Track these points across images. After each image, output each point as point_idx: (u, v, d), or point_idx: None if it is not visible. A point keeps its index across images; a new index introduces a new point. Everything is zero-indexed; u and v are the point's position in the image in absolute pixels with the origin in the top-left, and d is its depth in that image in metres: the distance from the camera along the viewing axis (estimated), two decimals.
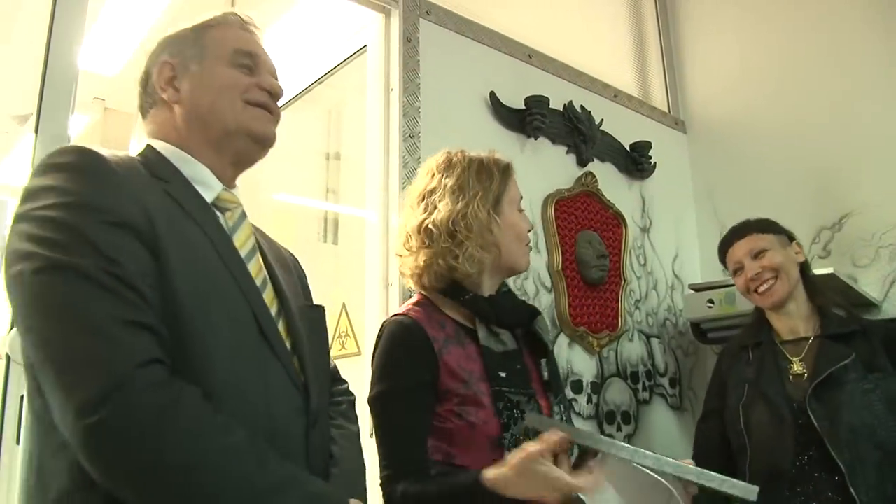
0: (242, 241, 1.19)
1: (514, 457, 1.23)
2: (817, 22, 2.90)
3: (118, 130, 3.96)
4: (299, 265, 1.43)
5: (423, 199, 1.55)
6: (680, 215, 3.16)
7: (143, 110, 1.27)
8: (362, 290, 2.17)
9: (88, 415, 0.86)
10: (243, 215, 1.24)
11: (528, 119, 2.47)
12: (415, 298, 1.57)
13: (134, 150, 1.22)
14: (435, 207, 1.52)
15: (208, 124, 1.20)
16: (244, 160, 1.27)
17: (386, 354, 1.47)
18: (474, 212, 1.50)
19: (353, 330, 2.43)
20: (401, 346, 1.46)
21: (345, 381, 1.45)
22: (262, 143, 1.25)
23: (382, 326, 1.51)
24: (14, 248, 0.97)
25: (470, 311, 1.53)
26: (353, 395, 1.43)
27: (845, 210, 2.70)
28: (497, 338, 1.53)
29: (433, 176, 1.57)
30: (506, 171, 1.60)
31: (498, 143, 2.40)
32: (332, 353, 2.44)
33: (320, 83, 2.69)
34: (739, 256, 2.06)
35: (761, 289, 2.00)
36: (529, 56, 2.63)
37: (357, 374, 2.18)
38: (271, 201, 3.22)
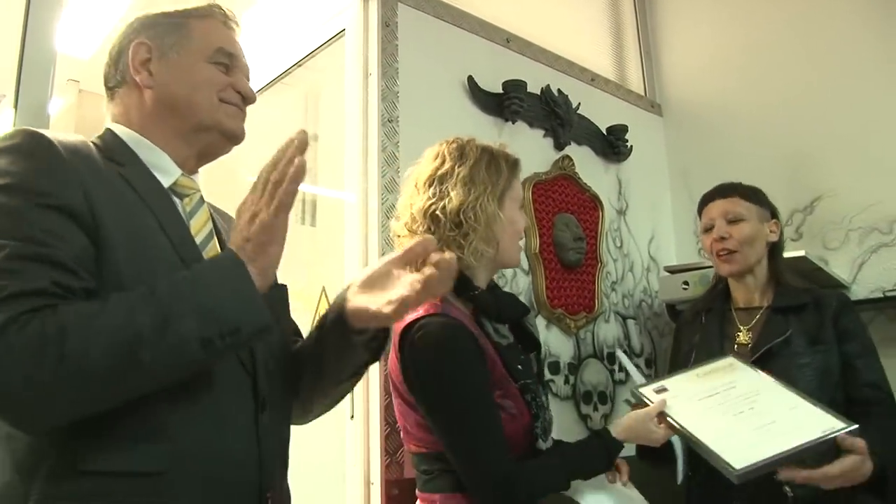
0: (199, 227, 1.20)
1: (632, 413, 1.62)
2: (792, 8, 2.93)
3: (93, 112, 3.91)
4: None
5: (433, 184, 1.57)
6: (656, 198, 3.19)
7: (110, 87, 1.26)
8: (341, 272, 2.18)
9: None
10: (201, 201, 1.24)
11: (505, 103, 2.49)
12: None
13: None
14: (446, 195, 1.53)
15: (181, 116, 1.21)
16: (210, 153, 1.29)
17: (447, 359, 1.45)
18: (483, 205, 1.52)
19: None
20: (457, 348, 1.46)
21: None
22: (231, 140, 1.28)
23: (417, 330, 1.46)
24: None
25: (475, 305, 1.56)
26: None
27: (817, 193, 2.75)
28: (499, 332, 1.57)
29: (444, 161, 1.59)
30: (514, 166, 1.64)
31: (476, 127, 2.41)
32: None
33: (299, 66, 2.68)
34: (714, 215, 2.02)
35: (722, 254, 1.98)
36: (507, 40, 2.64)
37: None
38: (249, 184, 3.20)
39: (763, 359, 1.81)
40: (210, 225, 1.23)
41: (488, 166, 1.57)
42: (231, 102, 1.25)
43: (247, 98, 1.29)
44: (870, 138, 2.64)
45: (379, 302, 1.10)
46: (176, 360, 0.95)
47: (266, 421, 1.14)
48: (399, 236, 1.61)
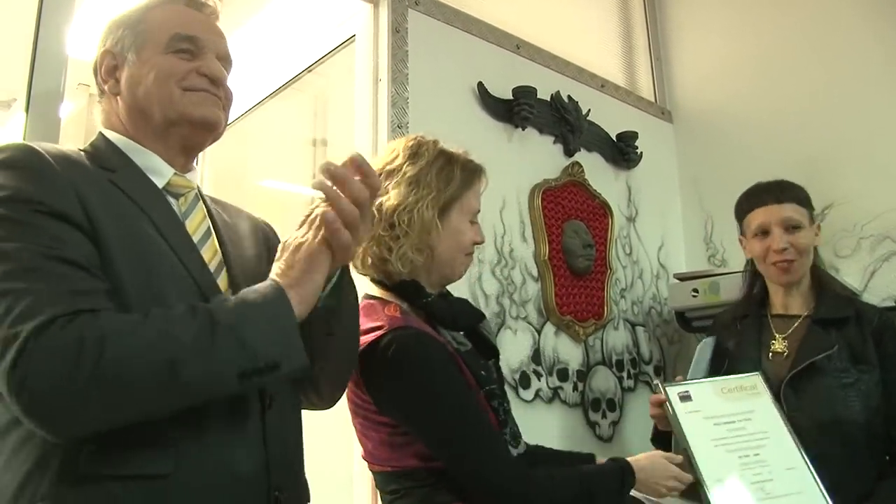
0: (196, 226, 1.19)
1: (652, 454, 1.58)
2: (803, 14, 2.91)
3: None
4: (273, 234, 1.40)
5: (380, 177, 1.51)
6: (665, 205, 3.18)
7: (99, 97, 1.26)
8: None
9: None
10: (197, 199, 1.23)
11: (515, 109, 2.48)
12: (384, 307, 1.47)
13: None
14: (387, 191, 1.47)
15: (148, 115, 1.18)
16: (191, 146, 1.25)
17: (428, 371, 1.39)
18: (421, 210, 1.45)
19: None
20: (434, 358, 1.40)
21: None
22: (205, 128, 1.23)
23: (387, 347, 1.37)
24: None
25: (428, 314, 1.50)
26: None
27: (828, 201, 2.72)
28: (456, 340, 1.52)
29: (396, 157, 1.52)
30: (470, 176, 1.55)
31: (486, 133, 2.42)
32: None
33: (308, 71, 2.68)
34: (770, 221, 1.90)
35: (781, 265, 1.88)
36: (517, 46, 2.63)
37: None
38: (258, 188, 3.22)
39: (805, 373, 1.76)
40: (207, 222, 1.22)
41: (440, 171, 1.49)
42: (197, 89, 1.20)
43: (214, 79, 1.22)
44: (881, 145, 2.62)
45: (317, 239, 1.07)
46: (211, 385, 0.95)
47: (273, 418, 1.13)
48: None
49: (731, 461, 1.64)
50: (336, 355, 1.26)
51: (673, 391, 1.74)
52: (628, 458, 1.55)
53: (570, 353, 2.53)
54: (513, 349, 2.33)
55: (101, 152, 1.16)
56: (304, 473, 1.25)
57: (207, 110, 1.21)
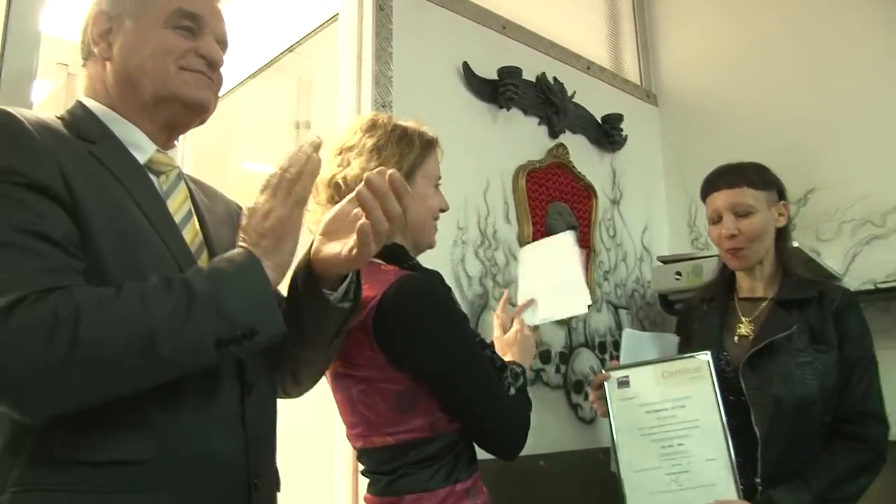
0: (178, 205, 1.16)
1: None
2: (790, 0, 2.91)
3: None
4: None
5: (340, 153, 1.53)
6: (650, 188, 3.18)
7: (83, 60, 1.22)
8: None
9: None
10: (179, 178, 1.20)
11: (500, 90, 2.47)
12: (382, 269, 1.47)
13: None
14: (349, 164, 1.50)
15: (138, 87, 1.15)
16: (177, 126, 1.22)
17: (447, 309, 1.44)
18: None
19: None
20: (448, 297, 1.47)
21: None
22: (195, 109, 1.20)
23: (399, 288, 1.38)
24: None
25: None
26: None
27: (811, 185, 2.73)
28: None
29: (355, 133, 1.55)
30: (428, 145, 1.57)
31: (470, 113, 2.40)
32: None
33: (291, 52, 2.66)
34: (721, 207, 1.89)
35: (731, 251, 1.89)
36: (503, 27, 2.61)
37: None
38: (240, 170, 3.19)
39: (763, 353, 1.77)
40: (189, 203, 1.19)
41: (399, 140, 1.52)
42: (193, 69, 1.17)
43: (212, 63, 1.20)
44: (864, 131, 2.63)
45: (347, 245, 1.08)
46: (189, 356, 0.94)
47: (252, 405, 1.12)
48: (307, 210, 1.56)
49: (652, 451, 1.73)
50: (333, 351, 1.27)
51: (613, 376, 1.82)
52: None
53: (552, 334, 2.53)
54: None
55: (80, 121, 1.12)
56: (275, 461, 1.24)
57: (201, 93, 1.18)
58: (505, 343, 1.75)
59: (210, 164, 3.12)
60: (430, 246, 1.61)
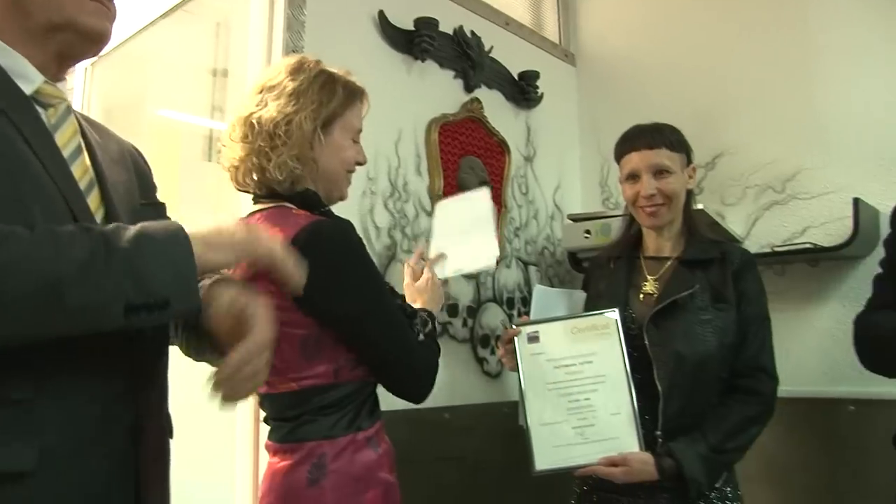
0: (66, 139, 1.10)
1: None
2: None
3: None
4: (142, 159, 1.34)
5: (261, 92, 1.49)
6: (564, 147, 3.20)
7: None
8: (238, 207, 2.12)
9: None
10: (68, 111, 1.14)
11: (416, 41, 2.44)
12: (293, 213, 1.46)
13: None
14: (266, 104, 1.47)
15: (27, 14, 1.07)
16: (70, 56, 1.16)
17: (361, 254, 1.45)
18: (300, 121, 1.45)
19: None
20: (359, 244, 1.45)
21: None
22: (93, 39, 1.14)
23: (313, 234, 1.38)
24: None
25: None
26: None
27: (719, 150, 2.80)
28: None
29: (279, 73, 1.51)
30: (351, 95, 1.55)
31: (384, 62, 2.37)
32: None
33: None
34: (639, 166, 1.90)
35: (648, 209, 1.91)
36: None
37: None
38: (155, 117, 3.09)
39: (667, 311, 1.81)
40: (79, 138, 1.13)
41: (322, 87, 1.49)
42: None
43: None
44: (770, 100, 2.71)
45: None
46: (95, 315, 0.90)
47: (137, 350, 1.09)
48: (222, 144, 1.53)
49: (560, 406, 1.78)
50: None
51: (523, 331, 1.85)
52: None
53: (461, 289, 2.54)
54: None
55: None
56: (167, 406, 1.22)
57: (100, 22, 1.11)
58: (416, 290, 1.78)
59: (122, 111, 3.02)
60: (342, 198, 1.60)
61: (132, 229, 0.95)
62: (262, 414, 1.53)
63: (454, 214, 2.01)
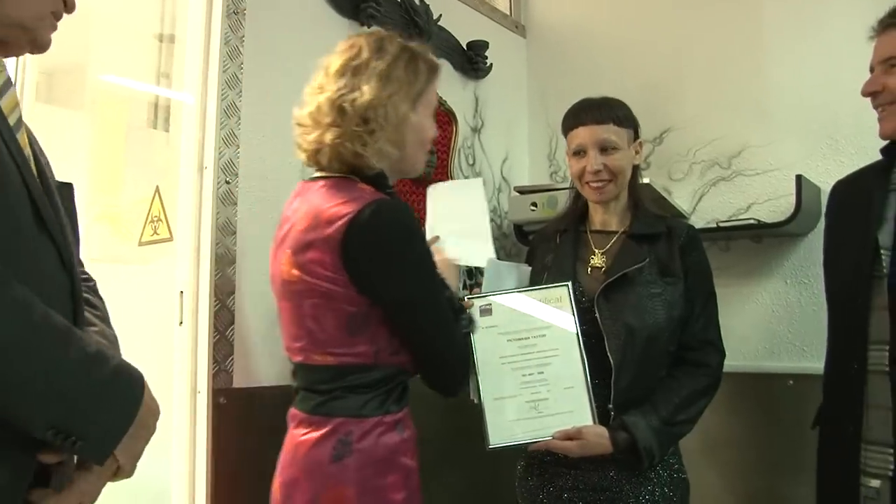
0: (10, 109, 1.05)
1: None
2: None
3: None
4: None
5: (345, 74, 1.46)
6: (512, 119, 3.18)
7: None
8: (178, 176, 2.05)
9: None
10: (9, 83, 1.09)
11: (362, 6, 2.38)
12: (357, 185, 1.45)
13: None
14: (357, 87, 1.44)
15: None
16: (6, 51, 1.11)
17: (417, 240, 1.46)
18: (396, 103, 1.45)
19: (165, 215, 2.31)
20: (419, 230, 1.49)
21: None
22: (39, 48, 1.12)
23: (374, 212, 1.38)
24: None
25: None
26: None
27: (667, 125, 2.81)
28: None
29: (360, 52, 1.49)
30: (433, 71, 1.56)
31: (329, 28, 2.30)
32: (144, 237, 2.34)
33: None
34: (586, 142, 1.89)
35: (594, 184, 1.89)
36: None
37: (169, 259, 2.09)
38: (98, 82, 2.98)
39: (617, 284, 1.81)
40: (19, 111, 1.08)
41: (407, 65, 1.50)
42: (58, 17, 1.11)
43: (69, 6, 1.12)
44: (718, 77, 2.72)
45: None
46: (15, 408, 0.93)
47: (80, 322, 1.10)
48: (301, 125, 1.50)
49: (513, 379, 1.77)
50: None
51: (476, 304, 1.81)
52: None
53: None
54: None
55: None
56: None
57: (49, 36, 1.11)
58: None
59: (64, 75, 2.92)
60: (417, 174, 1.63)
61: (98, 350, 1.02)
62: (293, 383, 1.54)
63: (448, 202, 1.97)
